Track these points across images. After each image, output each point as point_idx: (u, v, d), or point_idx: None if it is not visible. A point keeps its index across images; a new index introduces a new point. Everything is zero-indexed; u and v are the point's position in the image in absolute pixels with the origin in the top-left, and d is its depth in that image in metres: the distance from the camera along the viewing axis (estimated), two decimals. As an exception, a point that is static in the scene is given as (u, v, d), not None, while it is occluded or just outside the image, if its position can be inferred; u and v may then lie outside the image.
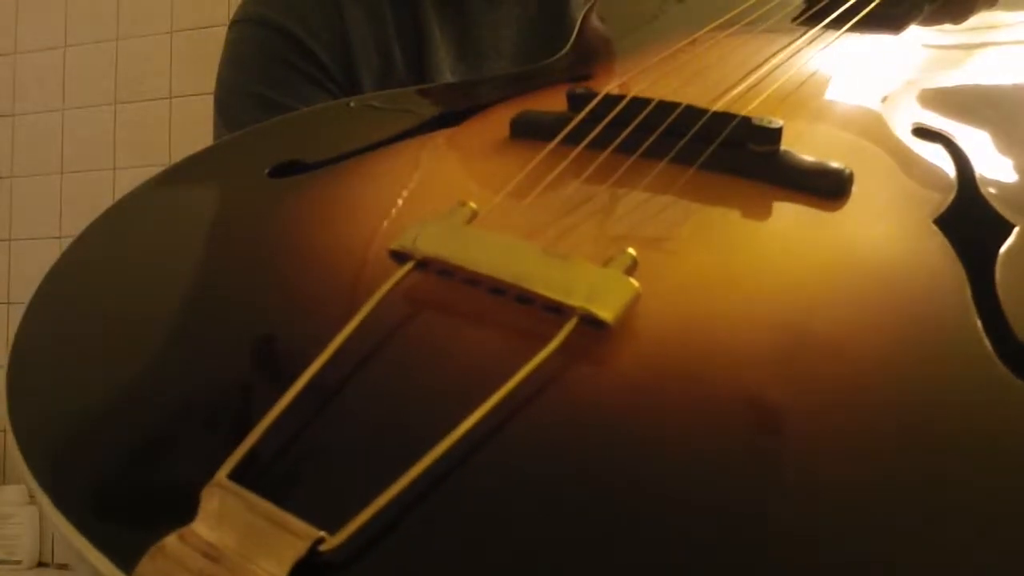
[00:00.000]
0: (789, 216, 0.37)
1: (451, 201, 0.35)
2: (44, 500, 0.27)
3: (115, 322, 0.36)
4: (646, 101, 0.41)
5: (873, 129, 0.44)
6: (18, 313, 0.36)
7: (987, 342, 0.29)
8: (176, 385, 0.32)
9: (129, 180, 0.45)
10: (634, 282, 0.30)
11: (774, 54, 0.49)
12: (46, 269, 0.39)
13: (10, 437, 0.30)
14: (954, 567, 0.24)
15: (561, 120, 0.42)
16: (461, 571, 0.24)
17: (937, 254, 0.34)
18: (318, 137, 0.50)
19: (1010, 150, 0.42)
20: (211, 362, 0.33)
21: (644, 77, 0.48)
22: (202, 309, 0.36)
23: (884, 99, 0.46)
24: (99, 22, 1.90)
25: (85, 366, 0.34)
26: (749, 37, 0.53)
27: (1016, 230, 0.35)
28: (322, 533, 0.23)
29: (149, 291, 0.37)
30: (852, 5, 0.54)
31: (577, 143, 0.40)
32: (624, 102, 0.41)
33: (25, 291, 0.37)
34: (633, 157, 0.39)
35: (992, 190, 0.38)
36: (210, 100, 0.79)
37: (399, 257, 0.33)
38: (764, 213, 0.37)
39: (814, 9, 0.55)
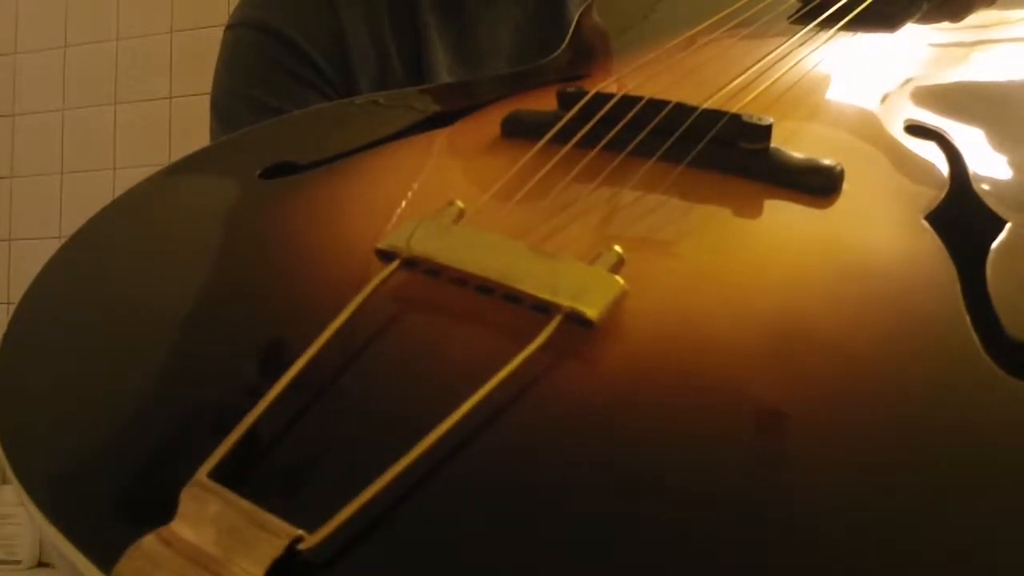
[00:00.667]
0: (779, 213, 0.37)
1: (440, 200, 0.35)
2: (26, 498, 0.27)
3: (99, 323, 0.36)
4: (636, 99, 0.41)
5: (866, 126, 0.44)
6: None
7: (976, 337, 0.29)
8: (158, 385, 0.32)
9: (129, 180, 0.46)
10: (620, 280, 0.30)
11: (768, 52, 0.49)
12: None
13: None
14: (941, 555, 0.24)
15: (551, 119, 0.42)
16: (441, 570, 0.24)
17: (927, 250, 0.34)
18: (310, 138, 0.50)
19: (1004, 147, 0.42)
20: (194, 361, 0.33)
21: (636, 75, 0.48)
22: (186, 309, 0.36)
23: (878, 97, 0.46)
24: (99, 22, 1.90)
25: (70, 366, 0.34)
26: (743, 36, 0.53)
27: (1008, 226, 0.35)
28: (300, 532, 0.23)
29: (134, 292, 0.37)
30: (847, 3, 0.54)
31: (566, 141, 0.40)
32: (613, 100, 0.41)
33: (25, 291, 0.37)
34: (622, 155, 0.39)
35: (985, 186, 0.38)
36: (209, 98, 0.79)
37: (386, 256, 0.33)
38: (754, 210, 0.37)
39: (809, 7, 0.55)
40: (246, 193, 0.44)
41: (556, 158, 0.39)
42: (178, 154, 0.48)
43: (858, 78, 0.49)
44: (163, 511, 0.24)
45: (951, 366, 0.29)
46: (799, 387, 0.28)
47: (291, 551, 0.23)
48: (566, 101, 0.43)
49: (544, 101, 0.44)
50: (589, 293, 0.30)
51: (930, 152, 0.41)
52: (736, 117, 0.39)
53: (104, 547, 0.24)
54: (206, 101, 0.79)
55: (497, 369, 0.27)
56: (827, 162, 0.38)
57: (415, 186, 0.42)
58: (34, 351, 0.34)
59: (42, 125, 1.95)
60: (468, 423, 0.26)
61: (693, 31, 0.53)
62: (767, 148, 0.38)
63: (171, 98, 1.84)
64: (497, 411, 0.27)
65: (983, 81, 0.50)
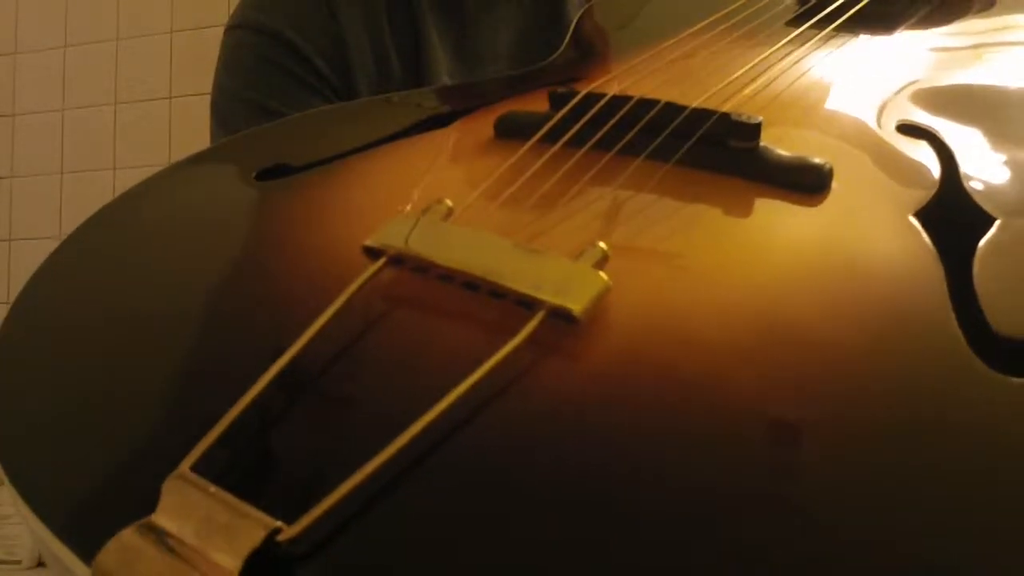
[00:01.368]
0: (767, 211, 0.37)
1: (430, 199, 0.35)
2: (12, 490, 0.27)
3: (89, 321, 0.36)
4: (626, 99, 0.41)
5: (858, 126, 0.44)
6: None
7: (961, 334, 0.29)
8: (144, 380, 0.32)
9: (129, 180, 0.46)
10: (604, 275, 0.30)
11: (763, 53, 0.49)
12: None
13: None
14: (926, 549, 0.24)
15: (542, 119, 0.42)
16: (418, 562, 0.24)
17: (915, 248, 0.34)
18: (306, 140, 0.50)
19: (996, 147, 0.42)
20: (180, 357, 0.33)
21: (629, 76, 0.48)
22: (174, 307, 0.36)
23: (872, 97, 0.46)
24: (99, 22, 1.91)
25: (58, 364, 0.34)
26: (739, 36, 0.53)
27: (997, 224, 0.35)
28: (279, 523, 0.23)
29: (123, 291, 0.38)
30: (843, 5, 0.54)
31: (556, 141, 0.40)
32: (604, 100, 0.41)
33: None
34: (610, 153, 0.39)
35: (975, 185, 0.38)
36: (209, 100, 0.79)
37: (373, 253, 0.33)
38: (742, 208, 0.37)
39: (805, 8, 0.55)
40: (241, 194, 0.45)
41: (545, 157, 0.39)
42: (178, 154, 0.48)
43: (853, 79, 0.49)
44: (146, 503, 0.24)
45: (937, 362, 0.29)
46: (782, 384, 0.28)
47: (270, 542, 0.23)
48: (557, 101, 0.43)
49: (539, 102, 0.45)
50: (573, 289, 0.30)
51: (921, 151, 0.41)
52: (725, 116, 0.39)
53: (87, 538, 0.24)
54: (206, 101, 0.80)
55: (480, 363, 0.27)
56: (816, 160, 0.38)
57: (407, 186, 0.42)
58: (23, 350, 0.35)
59: (42, 125, 1.95)
60: (449, 417, 0.26)
61: (689, 31, 0.53)
62: (756, 146, 0.39)
63: (171, 98, 1.84)
64: (479, 405, 0.27)
65: (977, 83, 0.50)
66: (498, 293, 0.31)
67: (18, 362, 0.34)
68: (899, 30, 0.54)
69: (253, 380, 0.28)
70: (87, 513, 0.26)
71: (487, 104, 0.50)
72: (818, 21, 0.53)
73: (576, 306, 0.29)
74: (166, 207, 0.44)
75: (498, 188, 0.38)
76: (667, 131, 0.40)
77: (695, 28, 0.53)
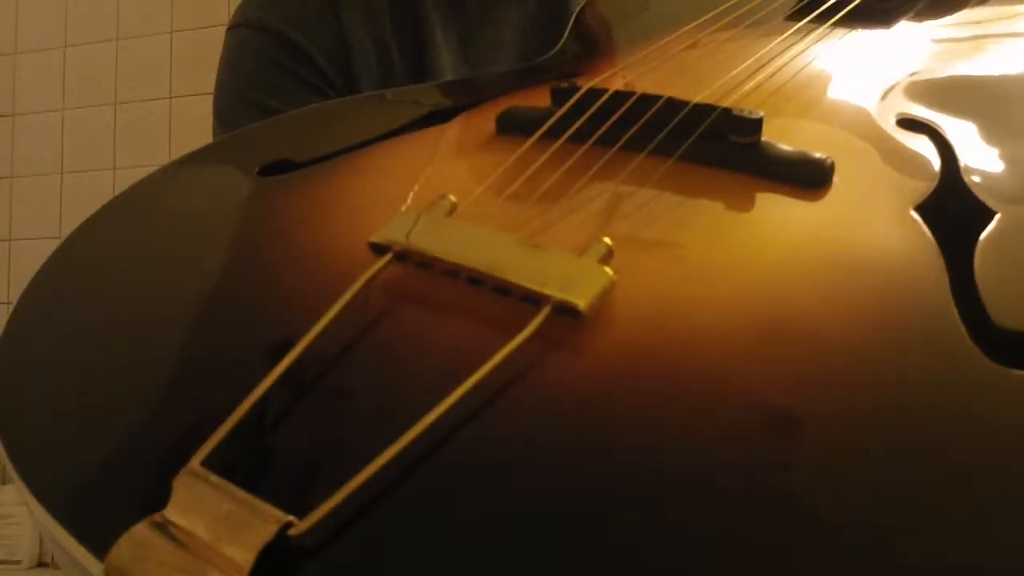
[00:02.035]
0: (769, 206, 0.37)
1: (434, 195, 0.35)
2: (23, 487, 0.27)
3: (96, 318, 0.36)
4: (628, 94, 0.41)
5: (858, 120, 0.44)
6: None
7: (962, 326, 0.29)
8: (154, 377, 0.32)
9: (129, 180, 0.46)
10: (609, 271, 0.30)
11: (763, 48, 0.49)
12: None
13: (2, 434, 0.30)
14: (928, 540, 0.24)
15: (544, 115, 0.42)
16: (430, 556, 0.24)
17: (916, 241, 0.34)
18: (308, 136, 0.50)
19: (996, 140, 0.42)
20: (189, 353, 0.33)
21: (630, 71, 0.48)
22: (181, 304, 0.36)
23: (871, 91, 0.46)
24: (99, 22, 1.91)
25: (67, 361, 0.34)
26: (739, 31, 0.53)
27: (997, 217, 0.35)
28: (291, 518, 0.23)
29: (130, 288, 0.38)
30: (841, 0, 0.54)
31: (559, 137, 0.40)
32: (605, 96, 0.41)
33: (25, 292, 0.38)
34: (613, 149, 0.39)
35: (976, 178, 0.38)
36: (210, 100, 0.79)
37: (378, 249, 0.33)
38: (744, 203, 0.38)
39: (805, 2, 0.55)
40: (244, 190, 0.45)
41: (548, 153, 0.39)
42: (178, 154, 0.48)
43: (852, 73, 0.49)
44: (157, 499, 0.24)
45: (938, 355, 0.29)
46: (785, 378, 0.29)
47: (281, 536, 0.23)
48: (559, 97, 0.43)
49: (541, 98, 0.45)
50: (578, 284, 0.30)
51: (921, 145, 0.41)
52: (727, 111, 0.39)
53: (99, 535, 0.24)
54: (206, 101, 0.80)
55: (486, 359, 0.27)
56: (817, 155, 0.38)
57: (410, 182, 0.42)
58: (32, 347, 0.35)
59: (42, 125, 1.95)
60: (457, 412, 0.26)
61: (690, 26, 0.53)
62: (758, 141, 0.39)
63: (171, 98, 1.84)
64: (486, 400, 0.27)
65: (976, 75, 0.50)
66: (503, 289, 0.31)
67: (24, 361, 0.34)
68: (898, 23, 0.55)
69: (262, 375, 0.28)
70: (99, 509, 0.27)
71: (489, 99, 0.50)
72: (818, 16, 0.53)
73: (581, 301, 0.29)
74: (169, 203, 0.45)
75: (502, 184, 0.38)
76: (669, 127, 0.40)
77: (696, 23, 0.53)
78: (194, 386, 0.31)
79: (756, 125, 0.39)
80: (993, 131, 0.43)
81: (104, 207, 0.44)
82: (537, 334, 0.29)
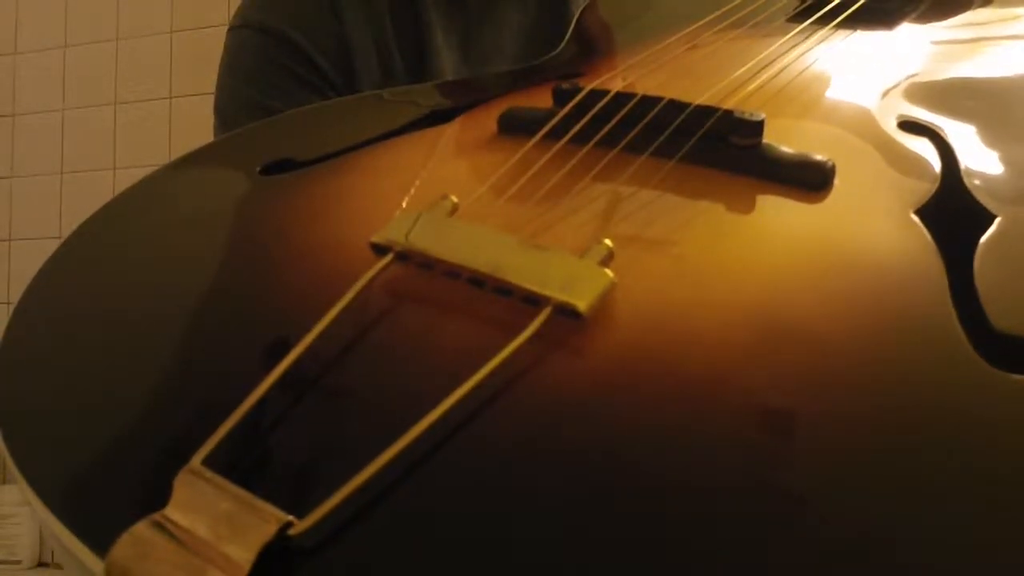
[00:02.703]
0: (770, 208, 0.37)
1: (435, 195, 0.35)
2: (25, 486, 0.27)
3: (98, 317, 0.36)
4: (629, 95, 0.41)
5: (860, 123, 0.44)
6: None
7: (961, 330, 0.29)
8: (155, 376, 0.32)
9: (129, 180, 0.46)
10: (609, 272, 0.31)
11: (765, 50, 0.49)
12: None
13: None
14: (926, 544, 0.24)
15: (546, 115, 0.42)
16: (429, 556, 0.24)
17: (916, 244, 0.34)
18: (310, 135, 0.50)
19: (997, 143, 0.42)
20: (191, 352, 0.33)
21: (632, 72, 0.48)
22: (182, 303, 0.36)
23: (872, 93, 0.46)
24: (99, 22, 1.91)
25: (69, 360, 0.34)
26: (741, 33, 0.53)
27: (998, 220, 0.35)
28: (290, 517, 0.23)
29: (131, 287, 0.38)
30: (843, 1, 0.54)
31: (560, 138, 0.40)
32: (607, 97, 0.41)
33: (25, 292, 0.38)
34: (614, 150, 0.39)
35: (977, 181, 0.38)
36: (210, 100, 0.79)
37: (380, 250, 0.33)
38: (744, 205, 0.38)
39: (806, 4, 0.55)
40: (245, 189, 0.45)
41: (549, 154, 0.39)
42: (178, 154, 0.48)
43: (853, 75, 0.49)
44: (158, 498, 0.24)
45: (936, 359, 0.29)
46: (784, 380, 0.29)
47: (281, 536, 0.23)
48: (561, 98, 0.43)
49: (543, 98, 0.45)
50: (578, 285, 0.30)
51: (922, 147, 0.41)
52: (728, 113, 0.39)
53: (100, 533, 0.24)
54: (206, 101, 0.80)
55: (487, 360, 0.27)
56: (818, 158, 0.38)
57: (412, 181, 0.42)
58: (33, 347, 0.35)
59: (42, 125, 1.95)
60: (457, 413, 0.26)
61: (692, 27, 0.53)
62: (759, 144, 0.39)
63: (171, 98, 1.84)
64: (486, 401, 0.27)
65: (978, 77, 0.50)
66: (504, 290, 0.31)
67: (26, 360, 0.34)
68: (900, 25, 0.55)
69: (263, 375, 0.28)
70: (100, 508, 0.27)
71: (490, 99, 0.50)
72: (820, 17, 0.53)
73: (581, 303, 0.29)
74: (169, 203, 0.45)
75: (503, 184, 0.38)
76: (670, 128, 0.40)
77: (699, 24, 0.53)
78: (195, 385, 0.31)
79: (757, 127, 0.39)
80: (994, 134, 0.43)
81: (104, 207, 0.44)
82: (538, 335, 0.29)
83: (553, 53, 0.60)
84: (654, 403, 0.28)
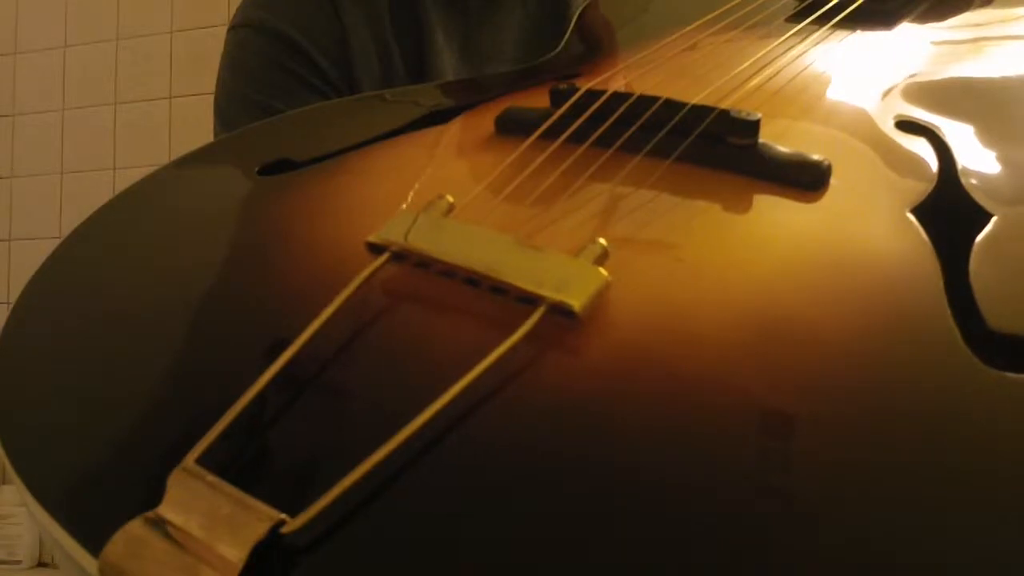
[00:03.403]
0: (766, 208, 0.37)
1: (432, 195, 0.35)
2: (21, 485, 0.28)
3: (94, 317, 0.36)
4: (626, 95, 0.41)
5: (857, 123, 0.44)
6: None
7: (956, 329, 0.29)
8: (150, 373, 0.32)
9: (129, 180, 0.46)
10: (603, 272, 0.31)
11: (763, 49, 0.49)
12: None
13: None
14: (922, 543, 0.24)
15: (543, 116, 0.42)
16: (422, 555, 0.24)
17: (911, 244, 0.34)
18: (308, 135, 0.50)
19: (994, 142, 0.42)
20: (186, 352, 0.33)
21: (629, 72, 0.48)
22: (179, 303, 0.36)
23: (870, 93, 0.46)
24: (99, 22, 1.91)
25: (65, 360, 0.34)
26: (739, 33, 0.53)
27: (994, 220, 0.35)
28: (283, 516, 0.23)
29: (128, 288, 0.38)
30: (841, 1, 0.54)
31: (557, 138, 0.40)
32: (604, 97, 0.42)
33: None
34: (611, 150, 0.39)
35: (974, 181, 0.38)
36: (210, 100, 0.79)
37: (376, 249, 0.33)
38: (740, 205, 0.38)
39: (805, 4, 0.55)
40: (243, 189, 0.45)
41: (545, 154, 0.39)
42: (178, 154, 0.48)
43: (852, 75, 0.49)
44: (152, 496, 0.25)
45: (931, 358, 0.29)
46: (777, 379, 0.29)
47: (274, 534, 0.23)
48: (557, 98, 0.43)
49: (541, 98, 0.45)
50: (573, 285, 0.30)
51: (919, 147, 0.41)
52: (725, 113, 0.39)
53: (94, 531, 0.24)
54: (206, 101, 0.80)
55: (481, 359, 0.27)
56: (815, 157, 0.38)
57: (409, 182, 0.42)
58: (30, 347, 0.35)
59: (42, 125, 1.95)
60: (450, 412, 0.26)
61: (691, 27, 0.53)
62: (755, 143, 0.39)
63: (171, 98, 1.84)
64: (480, 400, 0.27)
65: (976, 77, 0.50)
66: (499, 289, 0.31)
67: (23, 359, 0.34)
68: (898, 25, 0.55)
69: (257, 374, 0.28)
70: (94, 506, 0.27)
71: (488, 99, 0.50)
72: (818, 17, 0.53)
73: (576, 302, 0.29)
74: (168, 203, 0.45)
75: (499, 184, 0.38)
76: (667, 128, 0.40)
77: (697, 24, 0.53)
78: (191, 384, 0.31)
79: (754, 127, 0.39)
80: (992, 133, 0.43)
81: (103, 207, 0.44)
82: (532, 334, 0.29)
83: (552, 53, 0.60)
84: (649, 403, 0.28)
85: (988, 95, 0.48)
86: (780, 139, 0.40)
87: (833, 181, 0.38)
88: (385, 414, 0.28)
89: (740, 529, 0.24)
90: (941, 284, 0.31)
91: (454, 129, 0.48)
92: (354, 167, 0.45)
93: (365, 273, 0.32)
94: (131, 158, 1.85)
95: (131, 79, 1.88)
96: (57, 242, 0.40)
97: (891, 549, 0.24)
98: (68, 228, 0.41)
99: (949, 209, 0.36)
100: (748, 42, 0.52)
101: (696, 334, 0.30)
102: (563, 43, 0.62)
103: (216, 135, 0.77)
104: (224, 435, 0.26)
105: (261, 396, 0.28)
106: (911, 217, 0.35)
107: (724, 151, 0.39)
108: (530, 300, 0.30)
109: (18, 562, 1.78)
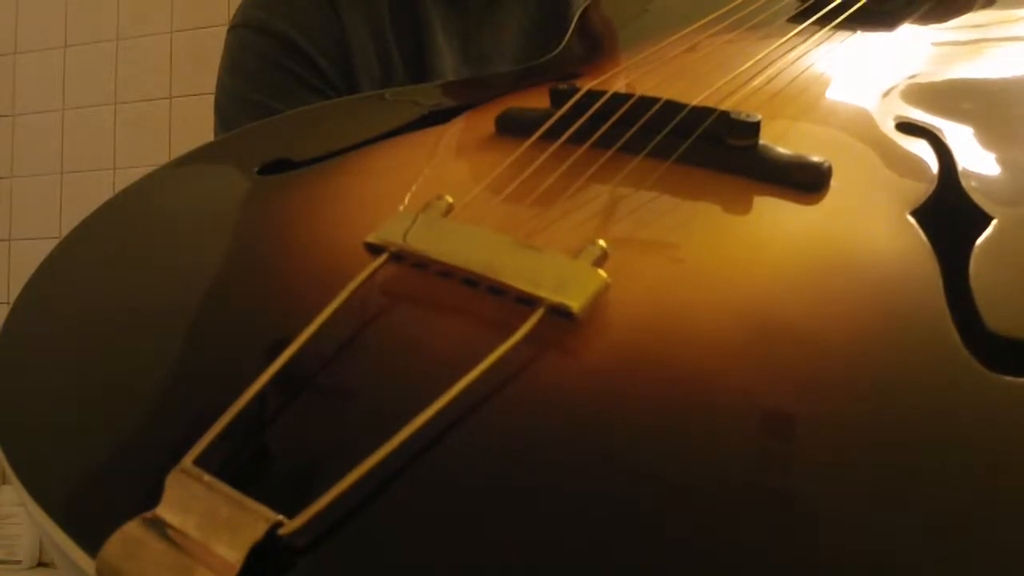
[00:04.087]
0: (765, 209, 0.37)
1: (431, 195, 0.35)
2: (18, 485, 0.27)
3: (93, 318, 0.36)
4: (626, 96, 0.41)
5: (857, 124, 0.44)
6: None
7: (955, 331, 0.29)
8: (147, 373, 0.32)
9: (129, 180, 0.46)
10: (602, 273, 0.30)
11: (764, 50, 0.49)
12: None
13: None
14: (922, 545, 0.24)
15: (543, 116, 0.42)
16: (420, 556, 0.24)
17: (911, 246, 0.34)
18: (308, 135, 0.50)
19: (995, 144, 0.42)
20: (182, 350, 0.33)
21: (630, 73, 0.48)
22: (177, 303, 0.36)
23: (871, 95, 0.46)
24: (99, 22, 1.91)
25: (64, 360, 0.34)
26: (740, 33, 0.53)
27: (994, 222, 0.35)
28: (280, 517, 0.23)
29: (127, 288, 0.38)
30: (843, 2, 0.54)
31: (557, 138, 0.40)
32: (604, 97, 0.41)
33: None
34: (611, 151, 0.39)
35: (974, 183, 0.38)
36: (210, 100, 0.79)
37: (375, 250, 0.33)
38: (740, 206, 0.38)
39: (807, 5, 0.55)
40: (242, 189, 0.45)
41: (545, 155, 0.39)
42: (178, 154, 0.48)
43: (852, 76, 0.49)
44: (150, 497, 0.25)
45: (929, 360, 0.29)
46: (776, 381, 0.28)
47: (271, 536, 0.23)
48: (558, 98, 0.43)
49: (541, 98, 0.45)
50: (572, 286, 0.30)
51: (920, 149, 0.41)
52: (724, 114, 0.39)
53: (92, 532, 0.24)
54: (206, 101, 0.80)
55: (479, 360, 0.27)
56: (815, 159, 0.38)
57: (409, 182, 0.42)
58: (26, 347, 0.35)
59: (42, 125, 1.95)
60: (449, 413, 0.26)
61: (692, 28, 0.53)
62: (755, 145, 0.39)
63: (171, 98, 1.84)
64: (479, 401, 0.27)
65: (977, 79, 0.50)
66: (498, 290, 0.31)
67: (21, 359, 0.34)
68: (900, 26, 0.55)
69: (256, 375, 0.28)
70: (92, 507, 0.27)
71: (489, 99, 0.50)
72: (819, 18, 0.53)
73: (575, 303, 0.29)
74: (167, 202, 0.44)
75: (498, 185, 0.38)
76: (667, 129, 0.40)
77: (698, 24, 0.53)
78: (189, 384, 0.31)
79: (754, 128, 0.39)
80: (993, 135, 0.43)
81: (102, 206, 0.44)
82: (531, 336, 0.29)
83: (553, 53, 0.60)
84: (647, 404, 0.28)
85: (989, 97, 0.48)
86: (780, 140, 0.40)
87: (833, 183, 0.38)
88: (383, 416, 0.27)
89: (738, 529, 0.24)
90: (940, 286, 0.31)
91: (454, 129, 0.48)
92: (353, 167, 0.45)
93: (363, 274, 0.32)
94: (131, 158, 1.85)
95: (131, 79, 1.88)
96: (57, 242, 0.40)
97: (891, 548, 0.23)
98: (68, 228, 0.41)
99: (949, 211, 0.36)
100: (749, 43, 0.52)
101: (695, 335, 0.30)
102: (563, 43, 0.62)
103: (216, 135, 0.77)
104: (222, 436, 0.26)
105: (259, 397, 0.28)
106: (911, 219, 0.35)
107: (724, 152, 0.39)
108: (529, 301, 0.30)
109: (18, 562, 1.78)
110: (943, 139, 0.41)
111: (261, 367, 0.28)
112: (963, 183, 0.38)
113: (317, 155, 0.45)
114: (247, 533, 0.23)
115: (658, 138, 0.40)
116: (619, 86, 0.44)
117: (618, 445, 0.27)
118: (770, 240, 0.36)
